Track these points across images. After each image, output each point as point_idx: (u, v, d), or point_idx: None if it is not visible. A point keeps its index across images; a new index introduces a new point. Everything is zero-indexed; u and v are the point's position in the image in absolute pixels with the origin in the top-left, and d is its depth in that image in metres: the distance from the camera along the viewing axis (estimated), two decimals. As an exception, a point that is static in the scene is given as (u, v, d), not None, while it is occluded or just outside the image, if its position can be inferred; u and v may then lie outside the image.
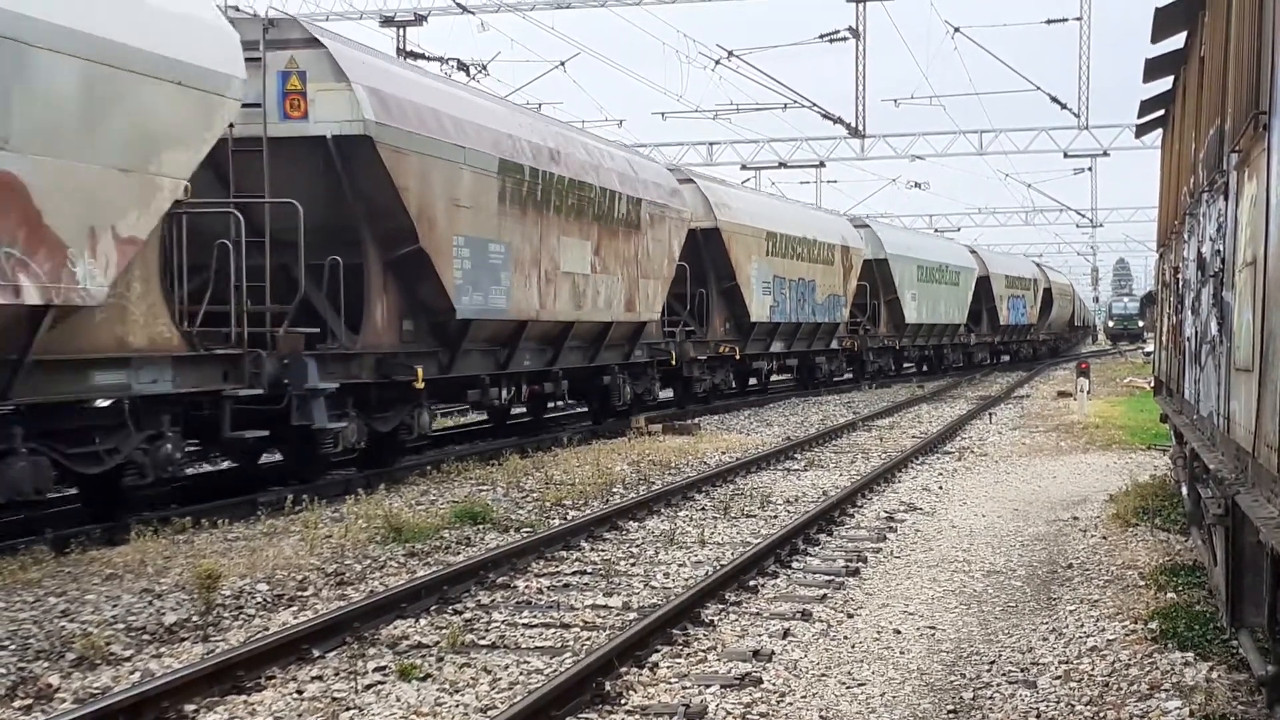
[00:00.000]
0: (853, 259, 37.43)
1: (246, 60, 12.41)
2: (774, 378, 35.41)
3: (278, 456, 15.58)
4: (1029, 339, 63.64)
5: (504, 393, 18.51)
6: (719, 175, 33.89)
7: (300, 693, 7.08)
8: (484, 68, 33.67)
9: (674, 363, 25.23)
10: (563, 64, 38.01)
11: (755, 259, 29.71)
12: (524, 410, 22.43)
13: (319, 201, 14.26)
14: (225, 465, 16.04)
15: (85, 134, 10.17)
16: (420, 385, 15.68)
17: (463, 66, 31.28)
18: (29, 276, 9.65)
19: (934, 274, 44.54)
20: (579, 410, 24.86)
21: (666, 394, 27.47)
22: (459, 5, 33.62)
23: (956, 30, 39.17)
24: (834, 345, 36.98)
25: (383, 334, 15.45)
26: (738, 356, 29.14)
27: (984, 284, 52.25)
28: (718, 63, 36.93)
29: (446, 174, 15.93)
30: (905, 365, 45.68)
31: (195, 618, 8.71)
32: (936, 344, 47.70)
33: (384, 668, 7.54)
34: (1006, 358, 59.50)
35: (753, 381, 33.97)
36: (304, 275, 13.66)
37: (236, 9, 15.11)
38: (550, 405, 23.20)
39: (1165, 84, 12.97)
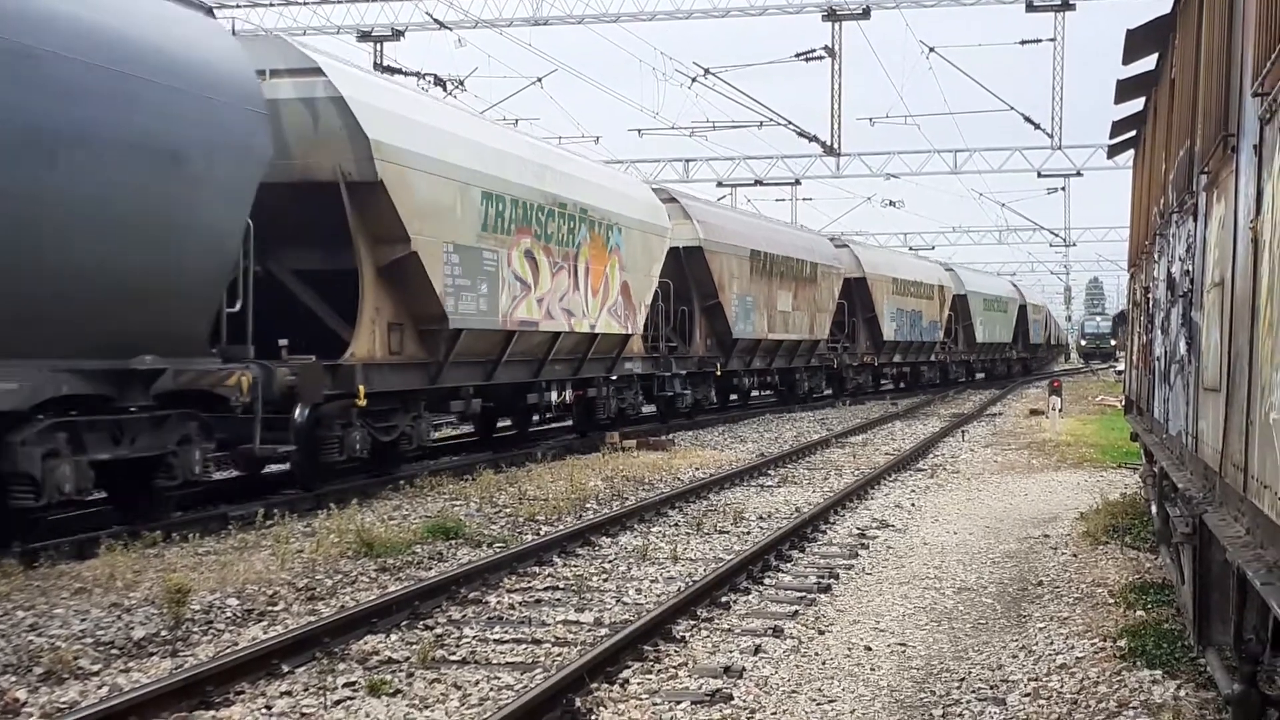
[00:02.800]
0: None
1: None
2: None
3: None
4: (1004, 357, 64.54)
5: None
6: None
7: (269, 708, 7.05)
8: (461, 83, 33.71)
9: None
10: (540, 80, 38.07)
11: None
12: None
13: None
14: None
15: (642, 259, 23.95)
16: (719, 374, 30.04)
17: (439, 82, 31.29)
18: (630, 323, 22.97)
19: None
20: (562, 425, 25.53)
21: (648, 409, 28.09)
22: (436, 21, 33.63)
23: (931, 50, 39.36)
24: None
25: (699, 347, 29.60)
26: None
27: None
28: (694, 80, 37.03)
29: (731, 263, 30.36)
30: (882, 382, 46.25)
31: (164, 632, 8.66)
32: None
33: (354, 683, 7.52)
34: (982, 375, 60.04)
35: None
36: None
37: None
38: (535, 418, 23.75)
39: (1137, 105, 13.08)
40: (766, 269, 32.41)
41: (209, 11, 13.10)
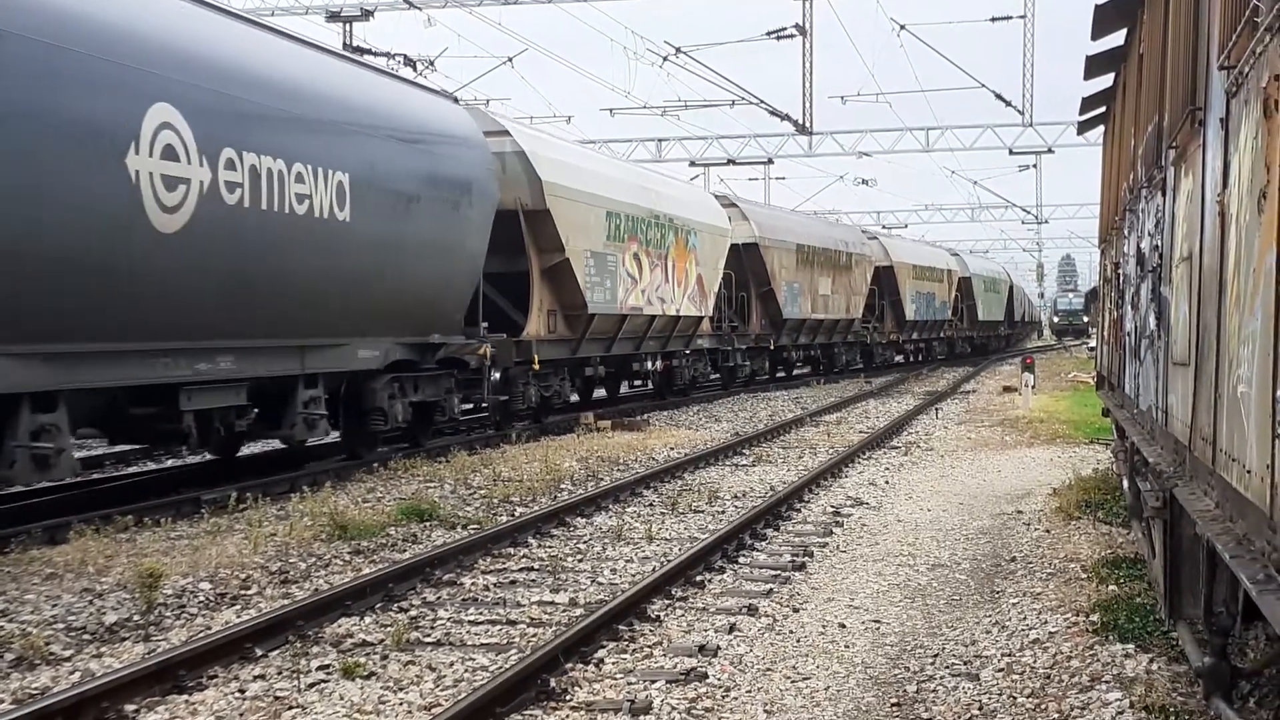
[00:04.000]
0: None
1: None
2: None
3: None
4: (999, 334, 66.47)
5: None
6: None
7: (242, 692, 7.03)
8: (431, 64, 33.51)
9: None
10: (510, 60, 37.88)
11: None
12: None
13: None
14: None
15: (711, 255, 29.66)
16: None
17: (410, 62, 31.11)
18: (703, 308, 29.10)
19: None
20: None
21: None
22: (406, 1, 33.45)
23: (902, 28, 39.33)
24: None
25: (755, 326, 35.05)
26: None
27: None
28: (666, 59, 36.93)
29: (781, 255, 35.74)
30: (897, 357, 49.77)
31: (136, 617, 8.63)
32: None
33: (327, 666, 7.50)
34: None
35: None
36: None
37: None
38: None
39: (1106, 81, 13.11)
40: (810, 259, 38.15)
41: (456, 99, 20.37)
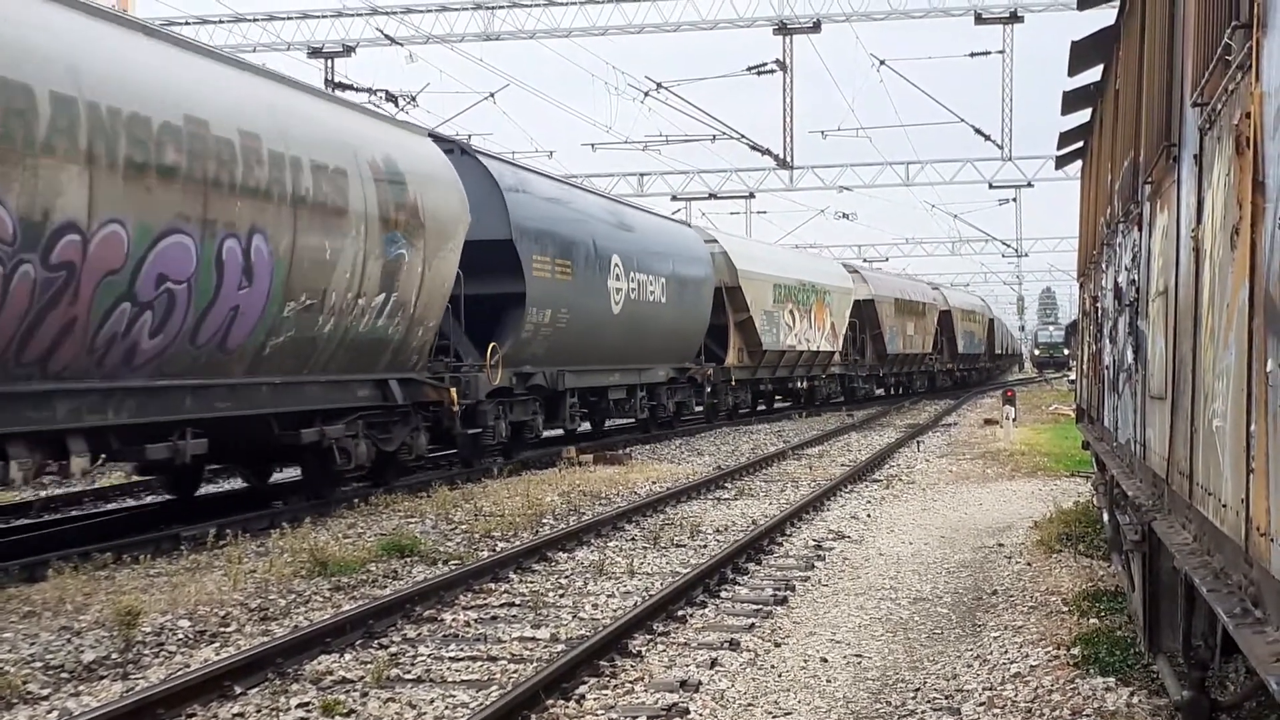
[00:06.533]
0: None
1: None
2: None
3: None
4: (978, 366, 67.59)
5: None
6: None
7: (221, 730, 6.99)
8: (413, 99, 33.63)
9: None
10: (492, 95, 38.06)
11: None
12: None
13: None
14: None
15: (839, 307, 43.59)
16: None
17: (391, 98, 31.22)
18: (834, 345, 42.84)
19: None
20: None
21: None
22: (387, 37, 33.57)
23: (882, 63, 39.64)
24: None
25: (870, 359, 48.73)
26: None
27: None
28: (647, 94, 37.14)
29: (886, 306, 48.93)
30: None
31: (115, 655, 8.58)
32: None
33: (307, 704, 7.46)
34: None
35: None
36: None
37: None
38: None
39: (1083, 116, 13.21)
40: (904, 308, 51.77)
41: (688, 224, 33.99)
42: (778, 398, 42.31)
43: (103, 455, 12.48)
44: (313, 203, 14.11)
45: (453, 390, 17.97)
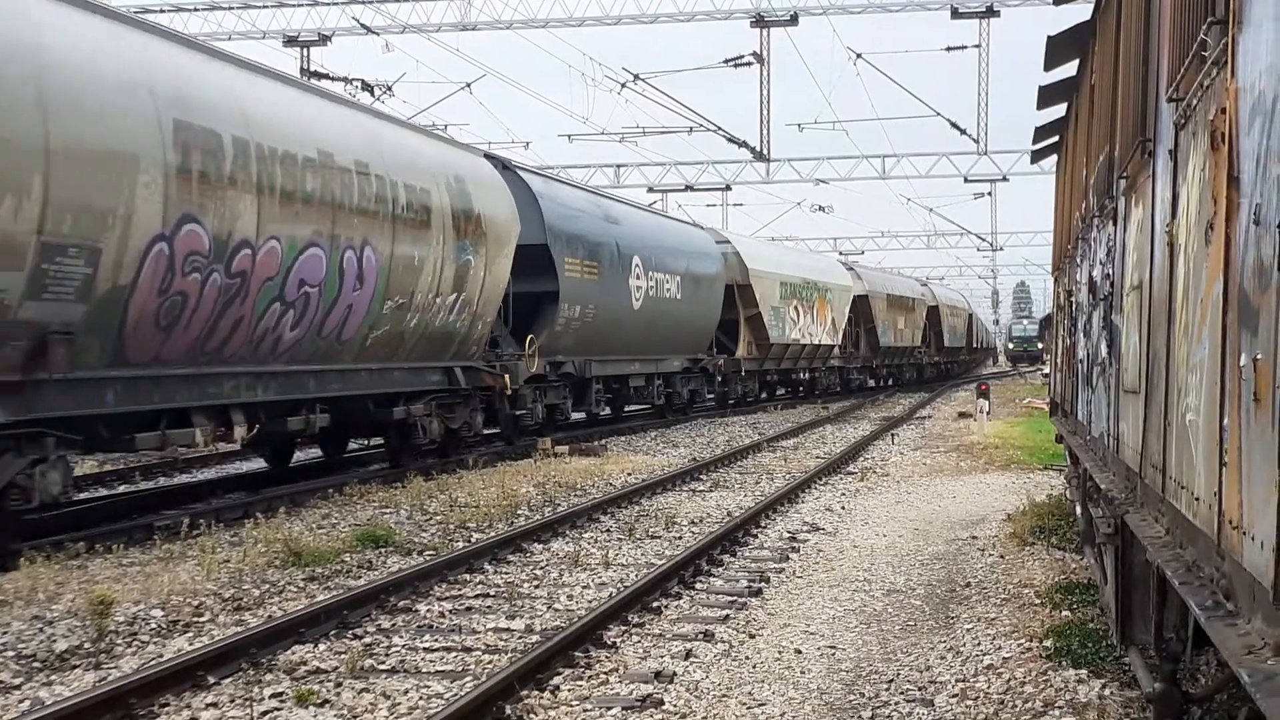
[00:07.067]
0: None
1: None
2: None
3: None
4: (960, 359, 69.28)
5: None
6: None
7: (195, 720, 6.97)
8: (389, 89, 33.50)
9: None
10: (468, 85, 37.95)
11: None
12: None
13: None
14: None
15: (839, 304, 46.81)
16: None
17: (367, 87, 31.09)
18: (834, 339, 45.59)
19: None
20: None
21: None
22: (363, 26, 33.44)
23: (859, 56, 39.72)
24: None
25: (865, 351, 51.18)
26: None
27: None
28: (624, 86, 37.09)
29: (880, 300, 51.91)
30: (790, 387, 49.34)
31: (87, 645, 8.54)
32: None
33: (281, 694, 7.44)
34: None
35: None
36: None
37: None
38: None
39: (1059, 111, 13.25)
40: (895, 303, 54.46)
41: (701, 227, 36.14)
42: (781, 390, 45.30)
43: (256, 425, 14.59)
44: (406, 218, 16.88)
45: (505, 376, 20.77)
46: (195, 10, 36.18)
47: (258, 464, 20.29)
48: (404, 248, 16.79)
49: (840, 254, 67.93)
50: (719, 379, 35.45)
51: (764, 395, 42.27)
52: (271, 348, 14.39)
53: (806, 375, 44.61)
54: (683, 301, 30.69)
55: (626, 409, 31.95)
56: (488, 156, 22.06)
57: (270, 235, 13.69)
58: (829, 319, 44.23)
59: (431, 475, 18.24)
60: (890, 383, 57.41)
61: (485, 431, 22.07)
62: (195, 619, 9.42)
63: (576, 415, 27.03)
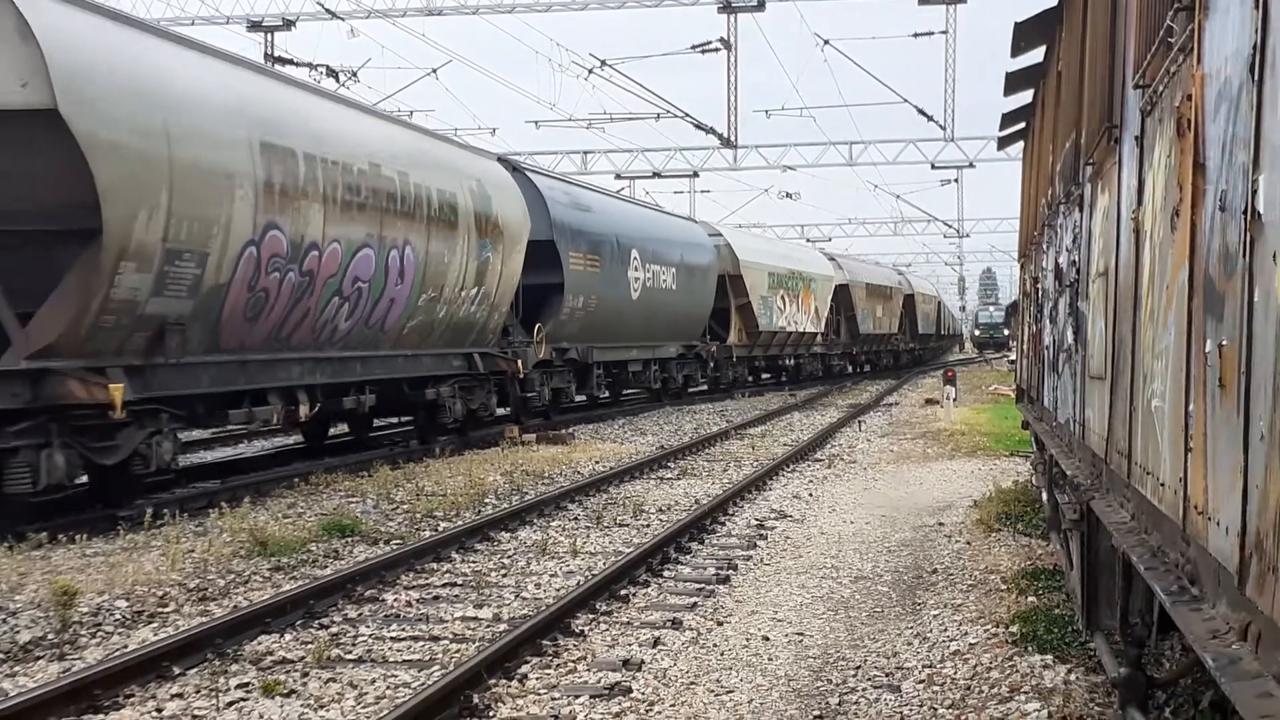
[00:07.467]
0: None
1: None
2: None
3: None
4: (930, 345, 70.32)
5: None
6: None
7: (160, 711, 6.92)
8: (354, 74, 33.33)
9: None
10: (434, 71, 37.81)
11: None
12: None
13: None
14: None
15: (822, 293, 48.23)
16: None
17: (332, 73, 30.92)
18: (817, 327, 47.33)
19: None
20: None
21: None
22: (328, 11, 33.22)
23: (826, 43, 39.72)
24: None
25: (845, 339, 53.26)
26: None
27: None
28: (591, 72, 36.99)
29: (860, 290, 53.46)
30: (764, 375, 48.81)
31: (51, 635, 8.47)
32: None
33: (247, 684, 7.40)
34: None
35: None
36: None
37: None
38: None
39: (1026, 97, 13.28)
40: (873, 292, 56.29)
41: (694, 220, 38.90)
42: (765, 375, 47.28)
43: (316, 405, 16.48)
44: (438, 220, 19.00)
45: (518, 361, 22.75)
46: (158, -4, 35.84)
47: (223, 453, 20.28)
48: (436, 246, 18.88)
49: (808, 241, 68.12)
50: (712, 364, 37.24)
51: (751, 380, 43.98)
52: (329, 336, 16.52)
53: (792, 361, 46.41)
54: (678, 292, 32.55)
55: (624, 393, 33.74)
56: (500, 160, 24.07)
57: (333, 238, 15.81)
58: (813, 308, 46.15)
59: (398, 464, 18.18)
60: (868, 368, 59.44)
61: (498, 412, 23.73)
62: (160, 609, 9.36)
63: (579, 398, 29.16)
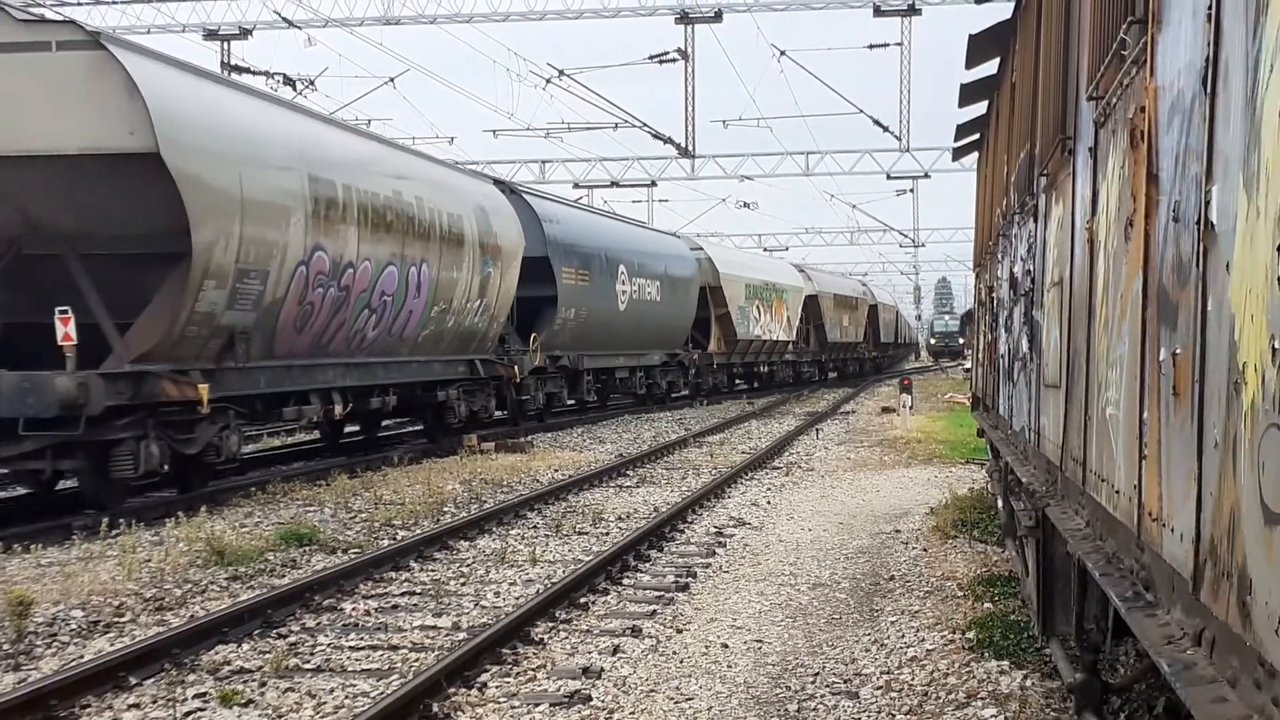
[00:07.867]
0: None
1: None
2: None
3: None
4: (890, 354, 77.43)
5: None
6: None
7: (116, 722, 6.87)
8: (311, 83, 33.22)
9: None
10: (392, 80, 37.72)
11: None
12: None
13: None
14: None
15: (793, 303, 51.15)
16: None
17: (289, 81, 30.80)
18: (789, 335, 50.04)
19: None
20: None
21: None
22: (285, 20, 33.09)
23: (783, 54, 39.96)
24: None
25: (814, 347, 56.19)
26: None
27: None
28: (549, 81, 37.05)
29: (828, 300, 56.37)
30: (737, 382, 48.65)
31: (6, 646, 8.40)
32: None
33: (204, 694, 7.36)
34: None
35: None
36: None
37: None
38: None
39: (980, 109, 13.39)
40: (840, 303, 58.90)
41: (676, 236, 40.69)
42: (738, 382, 49.08)
43: (349, 405, 18.73)
44: (448, 240, 21.14)
45: (515, 367, 24.92)
46: (114, 4, 35.62)
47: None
48: (447, 263, 21.06)
49: (765, 250, 68.34)
50: (693, 371, 39.50)
51: (726, 387, 46.40)
52: (359, 344, 18.65)
53: (766, 368, 48.87)
54: (662, 303, 35.01)
55: (611, 398, 35.89)
56: (497, 183, 26.66)
57: (365, 257, 17.96)
58: (785, 317, 48.72)
59: (356, 473, 18.12)
60: (835, 375, 62.13)
61: (496, 415, 25.80)
62: (116, 619, 9.29)
63: (570, 402, 31.77)
